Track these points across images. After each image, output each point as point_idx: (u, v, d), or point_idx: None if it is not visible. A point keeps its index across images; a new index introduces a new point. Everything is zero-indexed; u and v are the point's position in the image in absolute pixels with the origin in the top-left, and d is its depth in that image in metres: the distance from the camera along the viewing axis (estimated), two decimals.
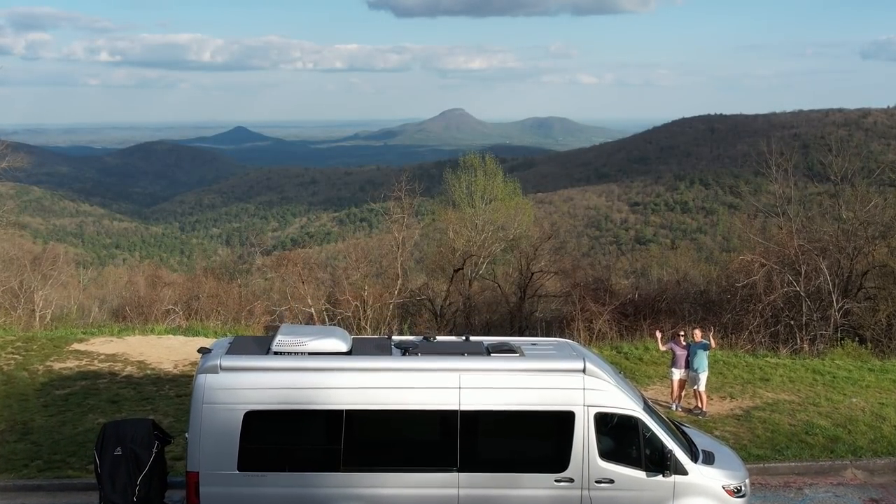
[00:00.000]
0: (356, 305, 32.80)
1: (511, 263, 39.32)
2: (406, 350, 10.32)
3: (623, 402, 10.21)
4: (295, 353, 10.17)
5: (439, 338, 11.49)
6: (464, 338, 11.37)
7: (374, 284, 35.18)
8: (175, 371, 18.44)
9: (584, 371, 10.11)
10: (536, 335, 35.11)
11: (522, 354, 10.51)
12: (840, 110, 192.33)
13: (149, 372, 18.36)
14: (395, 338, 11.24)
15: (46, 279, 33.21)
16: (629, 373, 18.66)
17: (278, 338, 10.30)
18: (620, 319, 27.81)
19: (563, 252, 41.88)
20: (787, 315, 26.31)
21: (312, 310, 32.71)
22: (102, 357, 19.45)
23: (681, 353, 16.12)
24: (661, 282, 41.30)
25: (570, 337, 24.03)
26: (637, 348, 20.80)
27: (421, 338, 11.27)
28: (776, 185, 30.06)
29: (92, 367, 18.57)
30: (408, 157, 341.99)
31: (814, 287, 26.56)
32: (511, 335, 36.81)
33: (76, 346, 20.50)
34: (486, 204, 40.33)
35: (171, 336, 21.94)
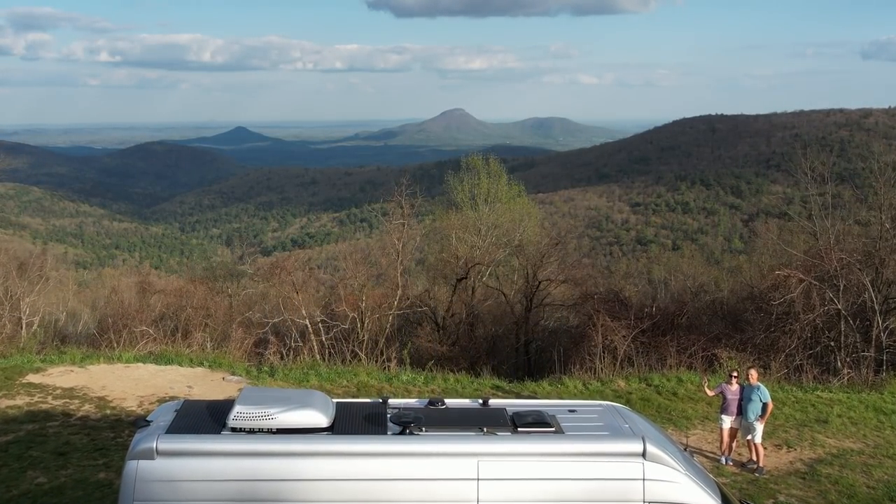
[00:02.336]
0: (353, 317, 30.45)
1: (516, 270, 37.12)
2: (406, 425, 7.79)
3: (696, 497, 7.66)
4: (259, 431, 7.67)
5: (449, 401, 8.93)
6: (481, 402, 8.86)
7: (373, 287, 32.89)
8: (139, 410, 15.95)
9: (643, 455, 7.57)
10: (544, 345, 32.82)
11: (560, 430, 7.99)
12: (841, 110, 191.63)
13: (108, 412, 15.87)
14: (392, 403, 8.69)
15: (34, 284, 30.93)
16: (663, 412, 16.20)
17: (237, 408, 7.78)
18: (637, 335, 25.45)
19: (570, 258, 39.62)
20: (828, 336, 23.81)
21: (307, 321, 30.35)
22: (58, 392, 16.96)
23: (732, 398, 13.59)
24: (667, 285, 39.00)
25: (591, 362, 21.66)
26: (669, 380, 18.28)
27: (426, 402, 8.76)
28: (810, 191, 27.56)
29: (44, 406, 16.09)
30: (408, 157, 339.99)
31: (856, 304, 24.08)
32: (517, 347, 34.66)
33: (31, 377, 18.01)
34: (489, 207, 38.16)
35: (140, 365, 19.43)
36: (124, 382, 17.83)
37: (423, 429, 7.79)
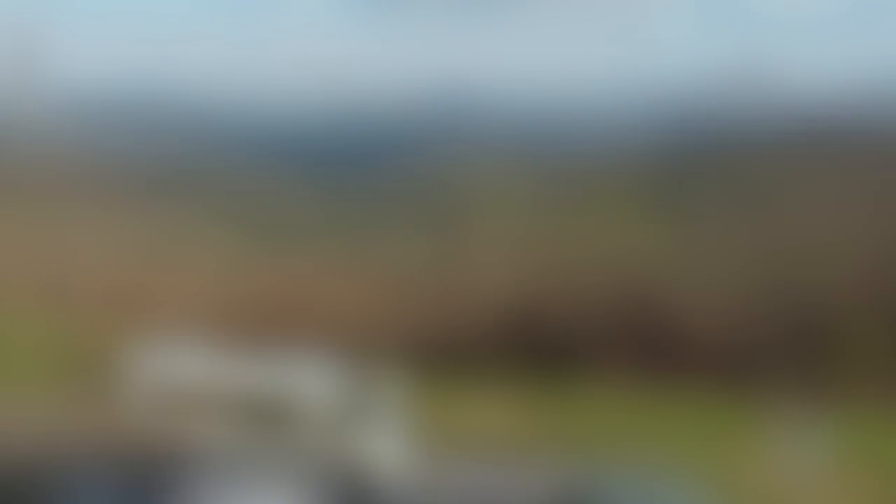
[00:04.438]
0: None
1: None
2: None
3: None
4: None
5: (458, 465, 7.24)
6: (497, 472, 7.17)
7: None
8: None
9: None
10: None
11: None
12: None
13: None
14: (390, 474, 7.00)
15: None
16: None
17: None
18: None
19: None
20: (872, 347, 22.25)
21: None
22: None
23: (786, 441, 12.01)
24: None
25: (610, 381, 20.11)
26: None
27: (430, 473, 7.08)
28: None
29: None
30: None
31: None
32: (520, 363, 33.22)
33: None
34: None
35: None
36: None
37: None
